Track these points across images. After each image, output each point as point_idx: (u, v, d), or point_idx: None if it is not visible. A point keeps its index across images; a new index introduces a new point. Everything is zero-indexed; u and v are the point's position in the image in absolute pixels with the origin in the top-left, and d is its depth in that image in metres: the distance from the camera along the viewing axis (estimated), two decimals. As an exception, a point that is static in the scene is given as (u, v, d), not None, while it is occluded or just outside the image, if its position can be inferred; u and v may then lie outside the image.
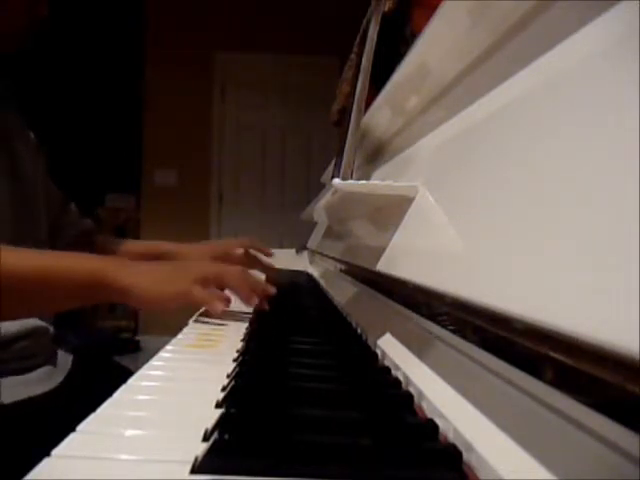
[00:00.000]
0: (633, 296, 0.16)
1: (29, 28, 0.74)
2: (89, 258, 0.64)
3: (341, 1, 3.27)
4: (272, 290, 0.70)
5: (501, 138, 0.35)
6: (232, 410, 0.31)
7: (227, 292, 0.70)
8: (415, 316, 0.41)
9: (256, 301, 0.67)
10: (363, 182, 0.53)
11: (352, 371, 0.41)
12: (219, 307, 0.62)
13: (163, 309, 0.63)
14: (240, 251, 0.99)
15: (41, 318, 0.75)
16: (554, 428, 0.21)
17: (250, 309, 0.75)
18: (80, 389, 0.76)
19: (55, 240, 0.84)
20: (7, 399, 0.65)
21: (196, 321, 0.65)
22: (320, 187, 1.46)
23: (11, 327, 0.69)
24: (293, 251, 1.82)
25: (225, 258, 0.94)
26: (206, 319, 0.65)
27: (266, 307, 0.69)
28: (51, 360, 0.78)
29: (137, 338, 3.53)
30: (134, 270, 0.63)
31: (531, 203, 0.27)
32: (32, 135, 0.85)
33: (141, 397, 0.35)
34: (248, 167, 3.79)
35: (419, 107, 0.60)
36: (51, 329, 0.78)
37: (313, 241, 1.54)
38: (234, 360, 0.46)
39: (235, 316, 0.68)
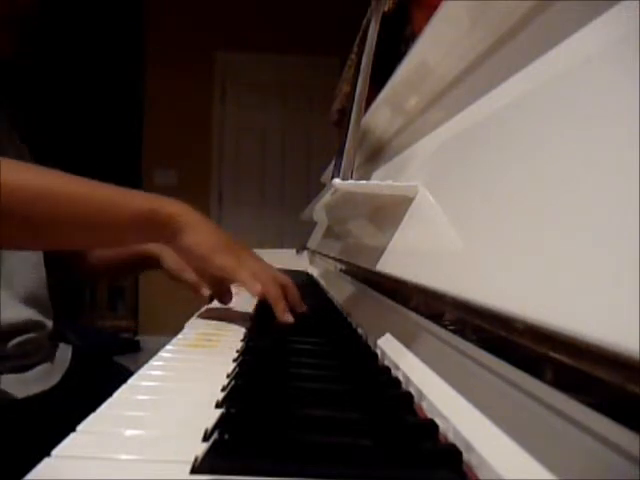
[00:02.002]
0: (633, 296, 0.16)
1: (12, 20, 0.72)
2: (147, 194, 0.62)
3: (341, 1, 3.27)
4: (303, 308, 0.68)
5: (501, 138, 0.35)
6: (232, 410, 0.31)
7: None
8: (415, 316, 0.41)
9: (287, 318, 0.64)
10: (363, 182, 0.53)
11: (352, 371, 0.41)
12: (257, 292, 0.60)
13: (180, 278, 0.61)
14: None
15: (40, 313, 0.75)
16: (554, 428, 0.21)
17: (250, 309, 0.75)
18: (80, 389, 0.76)
19: None
20: (5, 398, 0.65)
21: (196, 321, 0.65)
22: (320, 187, 1.46)
23: (7, 321, 0.69)
24: (293, 251, 1.82)
25: None
26: (206, 319, 0.65)
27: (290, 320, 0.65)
28: (49, 357, 0.78)
29: (137, 338, 3.53)
30: (198, 217, 0.61)
31: (531, 203, 0.27)
32: (26, 149, 0.85)
33: (141, 397, 0.34)
34: (248, 167, 3.79)
35: (419, 107, 0.60)
36: (49, 324, 0.78)
37: (313, 241, 1.54)
38: (234, 360, 0.46)
39: (235, 316, 0.68)
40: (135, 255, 0.92)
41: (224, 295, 0.70)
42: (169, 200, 0.61)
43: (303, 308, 0.69)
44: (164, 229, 0.59)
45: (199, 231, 0.60)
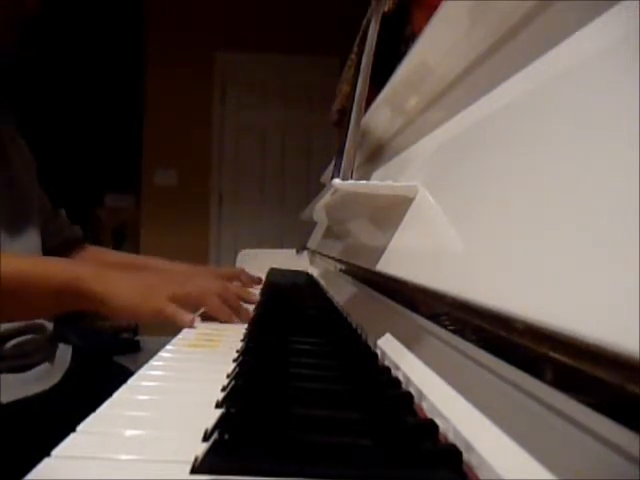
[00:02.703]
0: (633, 296, 0.16)
1: (16, 22, 0.72)
2: (66, 264, 0.64)
3: (341, 1, 3.27)
4: (250, 315, 0.68)
5: (501, 138, 0.35)
6: (232, 410, 0.31)
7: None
8: (415, 316, 0.41)
9: (236, 320, 0.65)
10: (363, 182, 0.53)
11: (352, 371, 0.41)
12: (188, 319, 0.61)
13: (136, 322, 0.63)
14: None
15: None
16: (554, 428, 0.21)
17: (250, 309, 0.75)
18: (80, 389, 0.76)
19: (42, 246, 0.84)
20: (5, 398, 0.65)
21: (196, 321, 0.65)
22: (320, 187, 1.46)
23: (9, 323, 0.69)
24: (293, 251, 1.82)
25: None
26: (206, 320, 0.65)
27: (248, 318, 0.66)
28: (49, 358, 0.77)
29: (137, 338, 3.53)
30: (111, 280, 0.62)
31: (531, 203, 0.27)
32: (23, 143, 0.85)
33: (141, 397, 0.34)
34: (248, 167, 3.79)
35: (419, 107, 0.60)
36: (49, 326, 0.78)
37: (313, 241, 1.54)
38: (234, 360, 0.46)
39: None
40: (131, 266, 0.94)
41: (177, 315, 0.66)
42: (81, 270, 0.62)
43: (253, 299, 0.70)
44: (85, 299, 0.60)
45: (117, 294, 0.61)
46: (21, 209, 0.78)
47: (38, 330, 0.75)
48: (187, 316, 0.61)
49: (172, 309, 0.61)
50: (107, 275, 0.63)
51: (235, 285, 0.74)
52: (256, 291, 0.94)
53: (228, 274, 0.96)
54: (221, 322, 0.64)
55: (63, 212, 0.95)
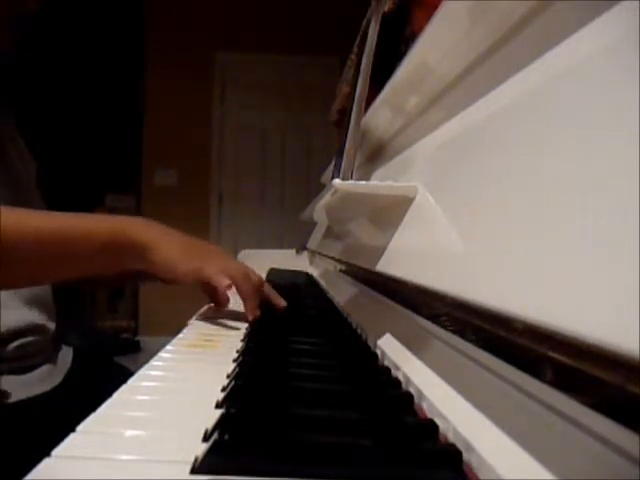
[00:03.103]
0: (633, 296, 0.16)
1: (16, 22, 0.72)
2: (108, 218, 0.62)
3: (341, 1, 3.27)
4: (283, 303, 0.70)
5: (501, 138, 0.35)
6: (232, 410, 0.31)
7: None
8: (415, 316, 0.41)
9: (255, 314, 0.66)
10: (363, 182, 0.53)
11: (352, 371, 0.41)
12: (225, 284, 0.61)
13: (175, 282, 0.62)
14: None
15: (43, 315, 0.75)
16: (554, 428, 0.21)
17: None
18: (80, 389, 0.76)
19: None
20: (7, 399, 0.65)
21: (196, 321, 0.65)
22: (320, 187, 1.46)
23: (9, 323, 0.69)
24: (293, 251, 1.82)
25: None
26: (206, 319, 0.65)
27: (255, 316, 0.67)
28: (51, 359, 0.78)
29: (137, 338, 3.53)
30: (157, 233, 0.61)
31: (531, 203, 0.27)
32: (22, 143, 0.85)
33: (141, 397, 0.34)
34: (248, 167, 3.79)
35: (419, 107, 0.60)
36: (52, 327, 0.78)
37: (313, 241, 1.54)
38: (234, 360, 0.46)
39: (235, 316, 0.68)
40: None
41: (219, 299, 0.70)
42: (128, 220, 0.61)
43: (283, 303, 0.70)
44: (128, 253, 0.59)
45: (162, 246, 0.60)
46: (21, 205, 0.78)
47: (40, 331, 0.75)
48: (225, 280, 0.61)
49: (211, 270, 0.61)
50: (154, 228, 0.62)
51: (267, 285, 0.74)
52: None
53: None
54: (245, 309, 0.66)
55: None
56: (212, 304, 0.76)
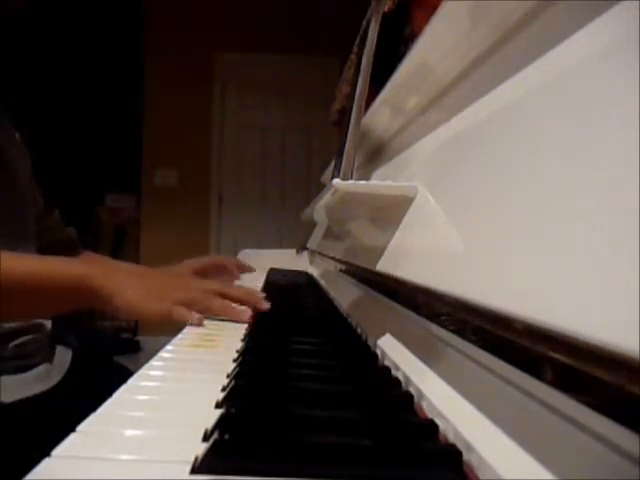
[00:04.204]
0: (633, 296, 0.16)
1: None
2: (75, 263, 0.65)
3: (341, 1, 3.27)
4: (265, 306, 0.69)
5: (501, 138, 0.35)
6: (232, 410, 0.31)
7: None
8: (415, 316, 0.41)
9: (247, 317, 0.65)
10: (363, 182, 0.53)
11: (352, 371, 0.41)
12: (196, 318, 0.61)
13: (142, 320, 0.63)
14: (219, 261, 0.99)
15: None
16: (554, 428, 0.21)
17: (250, 309, 0.75)
18: (80, 389, 0.76)
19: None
20: (6, 398, 0.65)
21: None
22: (320, 187, 1.46)
23: (7, 323, 0.69)
24: (293, 251, 1.82)
25: (204, 272, 0.94)
26: (206, 319, 0.65)
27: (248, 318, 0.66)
28: (48, 358, 0.78)
29: (137, 338, 3.53)
30: (119, 279, 0.63)
31: (531, 203, 0.27)
32: (18, 135, 0.85)
33: (141, 397, 0.34)
34: (248, 167, 3.79)
35: (419, 107, 0.60)
36: (48, 325, 0.78)
37: (313, 241, 1.54)
38: (234, 360, 0.46)
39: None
40: None
41: (187, 316, 0.66)
42: (91, 269, 0.63)
43: (265, 306, 0.69)
44: (93, 297, 0.61)
45: (123, 292, 0.62)
46: (18, 204, 0.78)
47: (37, 329, 0.75)
48: (194, 315, 0.61)
49: (180, 311, 0.62)
50: (115, 274, 0.64)
51: (234, 286, 0.74)
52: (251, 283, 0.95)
53: (210, 263, 0.97)
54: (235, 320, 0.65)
55: (56, 212, 0.95)
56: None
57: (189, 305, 0.63)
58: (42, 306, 0.65)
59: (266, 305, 0.68)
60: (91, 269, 0.63)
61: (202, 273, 0.93)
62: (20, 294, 0.59)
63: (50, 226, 0.91)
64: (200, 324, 0.61)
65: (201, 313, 0.62)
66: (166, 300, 0.63)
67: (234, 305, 0.66)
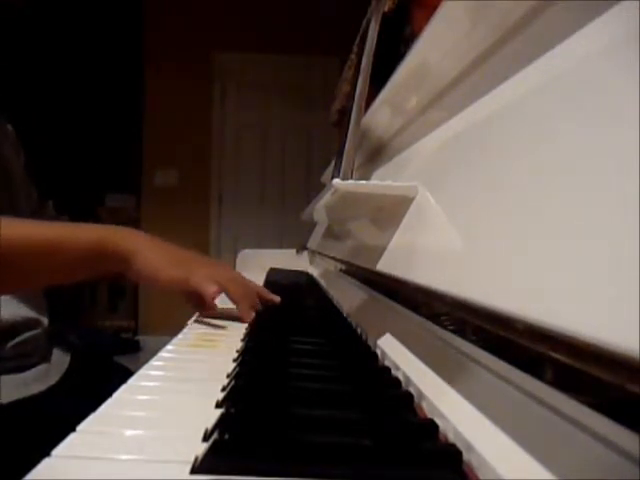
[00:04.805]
0: (633, 296, 0.16)
1: None
2: (94, 226, 0.63)
3: (341, 1, 3.27)
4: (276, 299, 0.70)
5: (501, 138, 0.35)
6: (232, 410, 0.31)
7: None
8: (415, 316, 0.41)
9: (250, 316, 0.65)
10: (363, 182, 0.53)
11: (352, 371, 0.41)
12: (212, 292, 0.61)
13: (158, 289, 0.62)
14: None
15: (33, 309, 0.75)
16: (554, 428, 0.21)
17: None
18: (80, 389, 0.76)
19: None
20: (5, 399, 0.65)
21: (196, 321, 0.65)
22: (320, 187, 1.46)
23: (3, 316, 0.69)
24: (293, 251, 1.82)
25: None
26: (206, 319, 0.65)
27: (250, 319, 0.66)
28: (47, 358, 0.78)
29: (137, 338, 3.52)
30: (140, 241, 0.62)
31: (531, 203, 0.27)
32: (11, 128, 0.85)
33: (141, 397, 0.34)
34: (248, 167, 3.79)
35: (419, 107, 0.60)
36: (45, 321, 0.78)
37: (313, 241, 1.54)
38: (234, 360, 0.46)
39: (235, 316, 0.68)
40: None
41: (206, 307, 0.68)
42: (114, 229, 0.62)
43: (277, 299, 0.70)
44: (113, 258, 0.60)
45: (145, 253, 0.61)
46: (13, 197, 0.78)
47: (34, 325, 0.75)
48: (212, 286, 0.60)
49: (197, 279, 0.60)
50: (139, 236, 0.62)
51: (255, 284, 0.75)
52: None
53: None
54: (239, 314, 0.65)
55: (50, 203, 0.95)
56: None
57: (210, 278, 0.62)
58: (62, 271, 0.62)
59: (277, 299, 0.70)
60: (115, 230, 0.62)
61: None
62: (39, 260, 0.58)
63: (45, 216, 0.91)
64: (214, 297, 0.60)
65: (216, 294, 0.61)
66: (189, 272, 0.61)
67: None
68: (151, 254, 0.61)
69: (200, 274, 0.62)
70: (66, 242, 0.58)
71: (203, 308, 0.69)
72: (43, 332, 0.77)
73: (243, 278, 0.69)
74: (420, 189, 0.48)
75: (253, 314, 0.65)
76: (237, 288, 0.65)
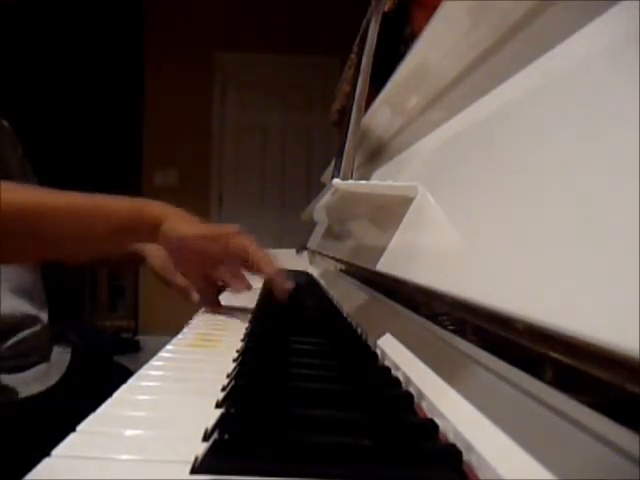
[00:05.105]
0: (633, 296, 0.16)
1: None
2: (127, 199, 0.65)
3: (341, 1, 3.27)
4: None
5: (501, 138, 0.35)
6: (232, 410, 0.31)
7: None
8: (415, 316, 0.41)
9: (284, 284, 0.68)
10: (363, 182, 0.53)
11: (352, 371, 0.41)
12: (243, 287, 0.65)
13: (189, 248, 0.64)
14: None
15: (33, 305, 0.76)
16: (554, 428, 0.21)
17: (250, 307, 0.75)
18: (80, 389, 0.76)
19: None
20: (4, 398, 0.65)
21: (196, 321, 0.65)
22: (320, 187, 1.46)
23: (1, 311, 0.69)
24: (293, 251, 1.82)
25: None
26: (206, 319, 0.65)
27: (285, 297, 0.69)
28: (47, 357, 0.78)
29: (137, 338, 3.53)
30: (170, 211, 0.65)
31: (531, 203, 0.27)
32: (6, 124, 0.85)
33: (141, 397, 0.34)
34: (248, 167, 3.79)
35: (419, 107, 0.60)
36: (44, 318, 0.78)
37: (313, 241, 1.54)
38: (234, 360, 0.46)
39: (235, 316, 0.68)
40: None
41: (211, 302, 0.70)
42: (149, 201, 0.65)
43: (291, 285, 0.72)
44: (148, 227, 0.62)
45: (179, 220, 0.63)
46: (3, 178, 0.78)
47: (33, 322, 0.75)
48: (242, 283, 0.66)
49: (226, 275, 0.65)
50: (174, 208, 0.65)
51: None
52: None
53: None
54: (277, 293, 0.68)
55: None
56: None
57: (239, 253, 0.65)
58: (97, 239, 0.64)
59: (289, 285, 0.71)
60: (151, 201, 0.65)
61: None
62: (75, 227, 0.60)
63: None
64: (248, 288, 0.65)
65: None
66: (217, 236, 0.65)
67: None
68: (184, 221, 0.64)
69: (232, 245, 0.65)
70: (104, 211, 0.61)
71: (207, 301, 0.70)
72: (42, 330, 0.77)
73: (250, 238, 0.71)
74: (420, 189, 0.48)
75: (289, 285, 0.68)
76: (263, 260, 0.66)
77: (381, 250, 0.53)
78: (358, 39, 0.96)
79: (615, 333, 0.17)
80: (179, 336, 0.55)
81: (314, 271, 1.39)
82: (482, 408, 0.27)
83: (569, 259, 0.21)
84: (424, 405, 0.33)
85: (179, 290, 0.85)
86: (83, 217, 0.60)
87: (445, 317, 0.34)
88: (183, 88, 3.66)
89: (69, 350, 0.85)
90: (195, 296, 0.81)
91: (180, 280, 0.84)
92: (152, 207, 0.63)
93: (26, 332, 0.73)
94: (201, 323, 0.64)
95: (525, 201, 0.27)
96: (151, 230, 0.62)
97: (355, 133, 0.66)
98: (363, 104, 0.67)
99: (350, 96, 0.73)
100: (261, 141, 3.81)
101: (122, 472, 0.24)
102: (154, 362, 0.43)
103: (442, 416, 0.30)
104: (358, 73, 0.68)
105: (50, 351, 0.80)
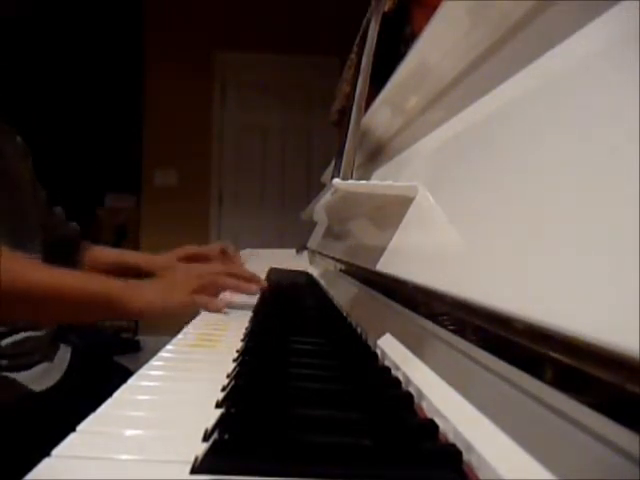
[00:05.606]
0: (633, 296, 0.16)
1: None
2: (98, 278, 0.70)
3: (341, 1, 3.27)
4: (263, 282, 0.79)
5: (501, 138, 0.35)
6: (232, 410, 0.31)
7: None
8: (415, 316, 0.41)
9: (256, 288, 0.75)
10: (363, 182, 0.53)
11: (352, 371, 0.41)
12: (220, 305, 0.69)
13: (168, 316, 0.68)
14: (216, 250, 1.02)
15: None
16: (554, 428, 0.21)
17: (250, 309, 0.75)
18: (80, 388, 0.76)
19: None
20: (4, 398, 0.65)
21: (196, 321, 0.65)
22: (320, 187, 1.46)
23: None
24: (293, 251, 1.82)
25: (199, 257, 0.97)
26: (206, 319, 0.65)
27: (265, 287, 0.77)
28: (49, 357, 0.78)
29: (137, 338, 3.52)
30: (136, 286, 0.69)
31: (531, 203, 0.27)
32: (19, 138, 0.86)
33: (141, 397, 0.34)
34: (248, 167, 3.79)
35: (419, 107, 0.60)
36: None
37: (313, 241, 1.54)
38: (234, 360, 0.46)
39: (235, 316, 0.68)
40: (123, 263, 0.98)
41: (209, 304, 0.71)
42: (109, 283, 0.69)
43: (263, 283, 0.79)
44: (114, 307, 0.67)
45: (142, 295, 0.67)
46: (21, 204, 0.78)
47: (35, 327, 0.75)
48: (217, 303, 0.69)
49: (202, 299, 0.69)
50: (129, 285, 0.69)
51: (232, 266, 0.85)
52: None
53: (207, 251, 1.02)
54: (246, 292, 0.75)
55: (59, 209, 0.95)
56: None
57: (206, 289, 0.70)
58: (67, 314, 0.69)
59: (265, 284, 0.80)
60: (112, 283, 0.68)
61: (200, 259, 0.98)
62: (48, 303, 0.64)
63: (54, 222, 0.92)
64: (221, 310, 0.69)
65: (217, 292, 0.71)
66: (184, 291, 0.68)
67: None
68: (148, 293, 0.68)
69: (197, 288, 0.70)
70: (73, 290, 0.65)
71: (205, 305, 0.72)
72: (45, 332, 0.78)
73: (218, 267, 0.77)
74: (420, 189, 0.47)
75: (256, 286, 0.76)
76: (229, 281, 0.73)
77: (381, 250, 0.53)
78: (358, 39, 0.96)
79: (615, 333, 0.17)
80: (179, 336, 0.55)
81: (314, 271, 1.39)
82: (482, 408, 0.27)
83: (569, 259, 0.21)
84: (424, 405, 0.33)
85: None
86: (59, 293, 0.64)
87: (445, 317, 0.34)
88: (183, 88, 3.66)
89: (69, 350, 0.85)
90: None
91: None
92: (114, 289, 0.67)
93: (25, 334, 0.73)
94: (201, 323, 0.64)
95: (525, 201, 0.27)
96: (116, 308, 0.66)
97: (355, 133, 0.66)
98: (363, 104, 0.67)
99: (350, 96, 0.73)
100: (261, 141, 3.81)
101: (122, 472, 0.24)
102: (154, 362, 0.43)
103: (442, 416, 0.30)
104: (358, 73, 0.68)
105: (54, 351, 0.80)
